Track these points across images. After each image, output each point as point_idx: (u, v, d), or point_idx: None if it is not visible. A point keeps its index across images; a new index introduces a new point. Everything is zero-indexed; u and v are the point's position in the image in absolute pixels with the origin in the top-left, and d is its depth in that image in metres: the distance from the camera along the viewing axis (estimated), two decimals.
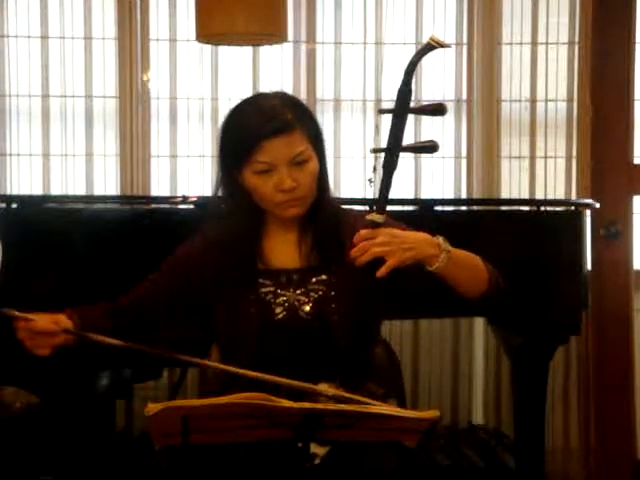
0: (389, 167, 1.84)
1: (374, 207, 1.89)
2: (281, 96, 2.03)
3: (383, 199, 1.86)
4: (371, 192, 3.43)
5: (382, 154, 1.87)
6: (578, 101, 3.63)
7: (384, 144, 1.86)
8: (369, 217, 1.86)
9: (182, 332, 2.12)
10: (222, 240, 2.04)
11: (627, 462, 3.67)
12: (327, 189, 2.06)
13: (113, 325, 2.01)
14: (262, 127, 1.92)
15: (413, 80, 1.85)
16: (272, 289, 2.01)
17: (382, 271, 1.82)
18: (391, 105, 1.85)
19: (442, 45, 1.81)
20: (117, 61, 3.54)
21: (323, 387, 1.83)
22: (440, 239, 1.88)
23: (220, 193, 2.06)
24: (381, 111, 1.90)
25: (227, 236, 2.04)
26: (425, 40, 1.83)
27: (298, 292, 2.01)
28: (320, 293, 2.00)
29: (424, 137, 3.50)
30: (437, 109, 1.88)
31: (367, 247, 1.82)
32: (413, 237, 1.87)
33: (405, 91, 1.82)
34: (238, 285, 2.01)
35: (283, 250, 2.05)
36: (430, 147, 1.88)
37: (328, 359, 1.91)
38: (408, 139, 1.87)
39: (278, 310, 2.00)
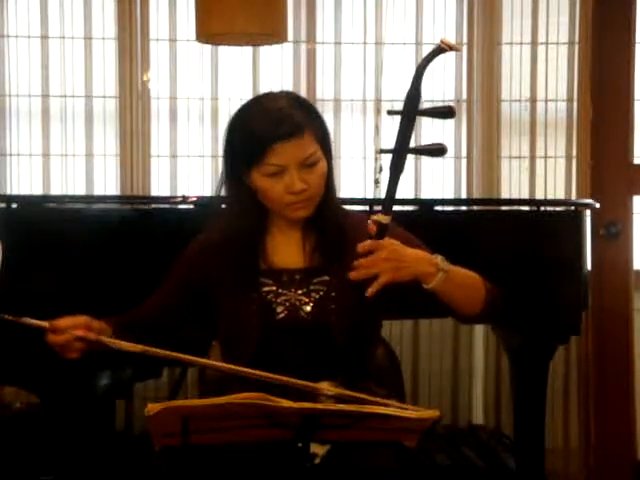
0: (396, 169, 1.84)
1: (377, 208, 1.88)
2: (289, 96, 2.01)
3: (389, 200, 1.85)
4: (374, 193, 3.44)
5: (387, 155, 1.86)
6: (578, 101, 3.63)
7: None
8: (375, 218, 1.85)
9: (193, 332, 2.12)
10: (226, 239, 2.04)
11: (627, 462, 3.67)
12: (333, 189, 2.05)
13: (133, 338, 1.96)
14: (273, 130, 1.91)
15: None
16: (274, 288, 2.01)
17: (371, 290, 1.83)
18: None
19: (453, 48, 1.80)
20: (117, 61, 3.54)
21: (324, 385, 1.83)
22: (439, 258, 1.88)
23: (224, 193, 2.05)
24: (390, 112, 1.87)
25: (231, 235, 2.04)
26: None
27: (300, 292, 2.00)
28: (321, 294, 2.00)
29: (424, 137, 3.50)
30: (446, 112, 1.87)
31: (365, 265, 1.83)
32: (411, 254, 1.87)
33: (415, 94, 1.81)
34: (240, 284, 2.00)
35: (286, 250, 2.05)
36: (438, 150, 1.88)
37: (328, 359, 1.91)
38: None
39: (279, 309, 2.00)
